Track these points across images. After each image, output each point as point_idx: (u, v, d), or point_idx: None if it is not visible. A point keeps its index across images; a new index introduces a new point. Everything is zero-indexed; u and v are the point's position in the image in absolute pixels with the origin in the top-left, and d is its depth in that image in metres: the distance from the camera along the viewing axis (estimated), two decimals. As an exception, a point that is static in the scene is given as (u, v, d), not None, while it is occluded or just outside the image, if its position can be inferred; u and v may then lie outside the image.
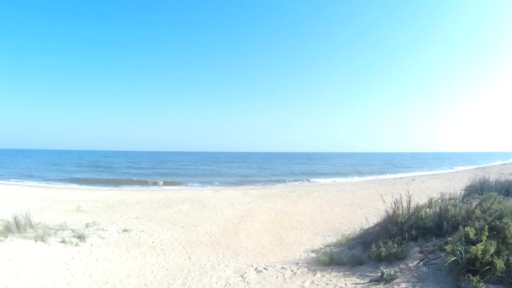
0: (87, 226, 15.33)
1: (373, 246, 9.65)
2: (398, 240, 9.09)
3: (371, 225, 12.29)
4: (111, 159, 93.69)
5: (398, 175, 51.60)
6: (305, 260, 11.05)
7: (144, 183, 40.62)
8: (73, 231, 13.75)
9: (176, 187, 37.79)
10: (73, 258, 10.52)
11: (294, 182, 43.70)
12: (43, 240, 11.53)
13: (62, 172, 49.68)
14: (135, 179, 43.53)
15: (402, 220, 9.91)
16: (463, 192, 14.71)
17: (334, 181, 44.84)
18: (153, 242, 13.50)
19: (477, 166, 57.87)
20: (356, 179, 48.34)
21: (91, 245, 12.37)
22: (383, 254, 8.77)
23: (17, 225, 12.11)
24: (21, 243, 10.99)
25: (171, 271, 9.94)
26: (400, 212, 10.36)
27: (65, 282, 8.60)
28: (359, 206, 21.55)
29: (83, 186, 35.87)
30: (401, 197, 10.59)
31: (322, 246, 12.75)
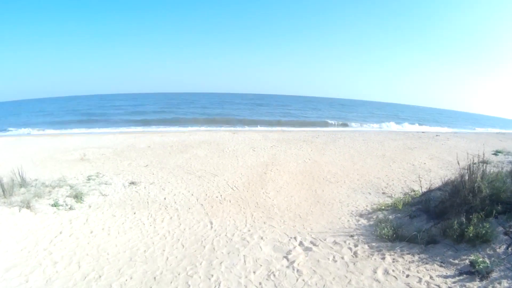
0: (89, 179, 12.93)
1: (447, 220, 7.61)
2: (481, 216, 7.03)
3: (408, 183, 12.02)
4: (114, 102, 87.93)
5: (421, 128, 48.78)
6: (357, 229, 8.69)
7: (157, 122, 37.76)
8: (71, 187, 11.41)
9: (190, 128, 35.06)
10: (61, 233, 8.06)
11: (313, 127, 40.90)
12: (29, 207, 9.14)
13: (67, 118, 45.31)
14: (148, 119, 40.38)
15: (483, 189, 7.63)
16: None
17: (354, 128, 42.23)
18: (164, 199, 11.03)
19: (498, 131, 54.37)
20: (377, 127, 45.70)
21: (89, 207, 9.98)
22: (469, 234, 6.81)
23: (1, 188, 9.75)
24: (0, 213, 8.62)
25: (189, 249, 7.44)
26: (479, 178, 8.13)
27: (43, 280, 6.04)
28: (392, 159, 18.78)
29: (92, 130, 32.82)
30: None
31: (369, 209, 10.33)
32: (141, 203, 10.54)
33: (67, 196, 10.46)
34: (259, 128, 37.68)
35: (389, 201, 10.68)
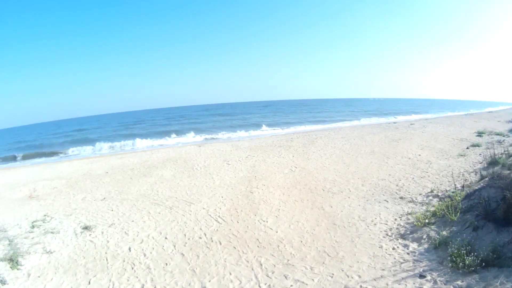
0: (33, 226, 9.48)
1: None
2: None
3: (418, 181, 11.03)
4: (65, 128, 79.17)
5: (390, 119, 46.90)
6: (416, 260, 6.12)
7: (111, 146, 33.33)
8: (9, 242, 8.10)
9: (151, 146, 30.76)
10: None
11: (280, 130, 38.04)
12: None
13: (19, 148, 39.84)
14: (102, 143, 35.31)
15: None
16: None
17: (326, 127, 39.48)
18: (129, 250, 7.65)
19: (465, 113, 55.82)
20: (347, 124, 43.11)
21: (28, 277, 6.68)
22: None
23: None
24: None
25: None
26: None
27: None
28: (384, 155, 16.69)
29: (45, 159, 27.99)
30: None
31: (404, 224, 7.92)
32: (98, 262, 7.15)
33: (0, 260, 7.05)
34: (222, 136, 34.39)
35: (416, 208, 8.87)
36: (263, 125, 40.41)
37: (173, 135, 35.00)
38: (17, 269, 6.87)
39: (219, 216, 9.35)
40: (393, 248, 6.73)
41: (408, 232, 7.34)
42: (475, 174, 11.17)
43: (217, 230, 8.44)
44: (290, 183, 12.47)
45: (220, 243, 7.65)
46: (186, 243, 7.81)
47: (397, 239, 7.12)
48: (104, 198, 12.11)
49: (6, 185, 16.05)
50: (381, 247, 6.87)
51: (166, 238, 8.19)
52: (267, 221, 8.80)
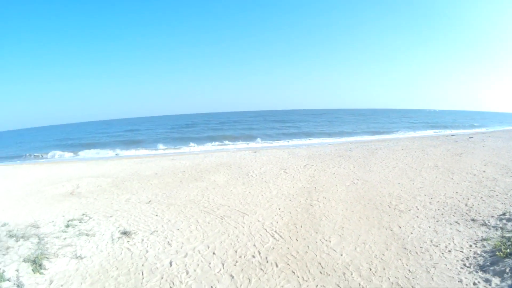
0: (68, 225, 9.00)
1: None
2: None
3: (487, 200, 10.16)
4: (116, 127, 79.98)
5: (447, 131, 44.77)
6: None
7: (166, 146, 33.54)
8: (39, 240, 7.68)
9: (204, 149, 30.73)
10: None
11: (335, 139, 36.59)
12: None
13: (68, 145, 40.23)
14: (153, 144, 35.49)
15: None
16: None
17: (383, 137, 37.79)
18: (170, 265, 6.91)
19: None
20: (404, 135, 41.35)
21: (50, 283, 6.12)
22: None
23: None
24: None
25: None
26: None
27: None
28: (448, 170, 15.24)
29: (94, 157, 28.72)
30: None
31: (481, 252, 6.86)
32: (132, 276, 6.47)
33: (23, 260, 6.58)
34: (277, 143, 33.42)
35: (490, 233, 7.82)
36: (318, 133, 39.32)
37: (226, 141, 34.71)
38: (40, 273, 6.30)
39: (275, 231, 8.46)
40: (474, 284, 5.68)
41: (488, 264, 6.24)
42: None
43: (273, 248, 7.54)
44: (353, 197, 11.36)
45: (277, 265, 6.73)
46: (237, 261, 6.96)
47: (477, 272, 6.08)
48: (150, 201, 11.62)
49: (49, 179, 16.30)
50: (460, 281, 5.83)
51: (214, 253, 7.38)
52: (330, 241, 7.80)
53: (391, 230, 8.38)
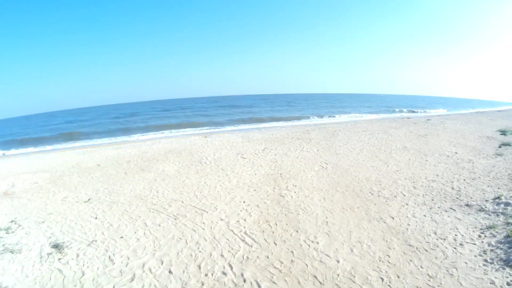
0: None
1: None
2: None
3: (471, 182, 9.37)
4: (56, 119, 72.93)
5: (402, 114, 45.37)
6: None
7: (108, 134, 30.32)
8: None
9: (151, 136, 27.82)
10: None
11: (291, 122, 35.12)
12: None
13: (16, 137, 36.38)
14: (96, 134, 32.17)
15: None
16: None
17: (339, 120, 37.12)
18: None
19: (476, 110, 55.57)
20: (358, 116, 41.40)
21: None
22: None
23: None
24: None
25: None
26: None
27: None
28: (419, 151, 14.33)
29: (33, 151, 24.35)
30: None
31: (495, 242, 5.91)
32: None
33: None
34: (229, 128, 31.30)
35: (492, 219, 6.92)
36: (272, 117, 37.81)
37: (174, 128, 31.99)
38: None
39: (246, 233, 6.59)
40: (508, 284, 4.67)
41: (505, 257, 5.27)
42: None
43: (247, 258, 5.69)
44: (328, 183, 9.78)
45: (259, 285, 4.90)
46: (203, 283, 5.02)
47: (504, 268, 5.05)
48: (89, 200, 9.35)
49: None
50: (492, 282, 4.75)
51: (170, 272, 5.41)
52: (317, 242, 6.10)
53: (385, 222, 6.93)
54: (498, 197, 8.07)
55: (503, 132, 20.23)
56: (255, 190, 9.34)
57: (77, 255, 6.05)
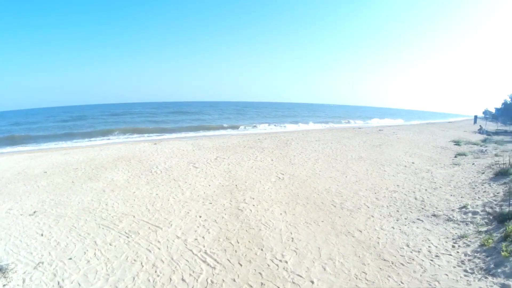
0: None
1: None
2: None
3: (433, 192, 9.34)
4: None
5: (351, 125, 46.67)
6: None
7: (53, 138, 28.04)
8: None
9: (99, 142, 26.10)
10: None
11: (235, 130, 34.78)
12: None
13: None
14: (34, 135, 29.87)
15: None
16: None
17: (285, 127, 37.84)
18: None
19: (427, 122, 59.54)
20: (312, 126, 41.89)
21: None
22: None
23: None
24: None
25: None
26: None
27: None
28: (376, 161, 14.40)
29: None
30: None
31: (471, 252, 5.77)
32: None
33: None
34: (178, 135, 30.14)
35: (462, 228, 6.81)
36: (221, 125, 37.08)
37: (122, 133, 30.49)
38: None
39: (206, 253, 5.86)
40: None
41: (492, 266, 5.10)
42: (489, 186, 9.59)
43: (211, 282, 4.96)
44: (287, 195, 9.29)
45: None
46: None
47: (486, 277, 4.87)
48: (35, 212, 8.19)
49: None
50: None
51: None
52: (286, 261, 5.52)
53: (353, 236, 6.55)
54: (464, 206, 8.02)
55: (457, 143, 21.01)
56: (210, 203, 8.62)
57: (23, 280, 5.07)
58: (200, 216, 7.69)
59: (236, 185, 10.32)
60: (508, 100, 38.63)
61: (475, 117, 58.20)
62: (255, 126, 39.43)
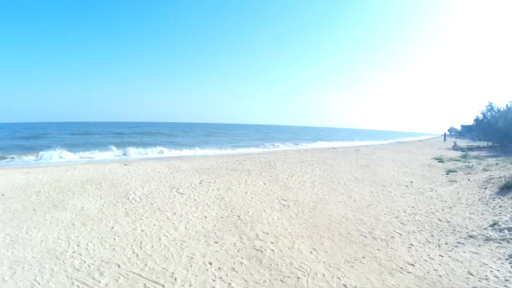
0: None
1: None
2: None
3: (452, 211, 8.92)
4: None
5: (323, 145, 46.39)
6: None
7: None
8: None
9: (63, 159, 23.53)
10: None
11: (215, 151, 32.91)
12: None
13: None
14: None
15: None
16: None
17: (264, 150, 36.12)
18: None
19: (397, 141, 62.41)
20: (288, 147, 41.58)
21: None
22: None
23: None
24: None
25: None
26: None
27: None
28: (374, 182, 13.50)
29: None
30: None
31: None
32: None
33: None
34: (150, 155, 27.94)
35: (508, 247, 6.21)
36: (196, 146, 35.40)
37: (89, 151, 28.04)
38: None
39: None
40: None
41: None
42: (501, 200, 9.44)
43: None
44: (304, 227, 7.69)
45: None
46: None
47: None
48: None
49: None
50: None
51: None
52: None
53: (409, 272, 5.26)
54: (495, 223, 7.56)
55: (440, 160, 21.30)
56: (216, 243, 6.70)
57: None
58: (210, 263, 5.71)
59: (238, 216, 8.56)
60: (480, 116, 40.78)
61: (445, 134, 61.47)
62: (226, 147, 38.03)
